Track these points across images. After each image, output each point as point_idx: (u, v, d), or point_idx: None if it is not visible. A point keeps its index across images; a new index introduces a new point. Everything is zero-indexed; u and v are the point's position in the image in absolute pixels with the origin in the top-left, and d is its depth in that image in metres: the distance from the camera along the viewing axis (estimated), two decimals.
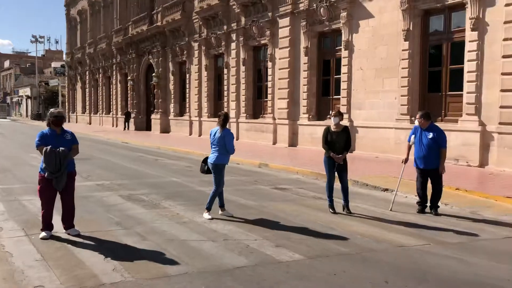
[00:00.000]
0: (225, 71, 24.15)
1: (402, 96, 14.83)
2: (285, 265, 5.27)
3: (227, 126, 7.73)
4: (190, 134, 27.79)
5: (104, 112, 42.66)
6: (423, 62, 14.68)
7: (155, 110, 32.05)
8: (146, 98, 34.86)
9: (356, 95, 16.68)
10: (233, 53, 23.27)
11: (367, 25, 16.07)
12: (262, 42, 21.34)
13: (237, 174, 12.69)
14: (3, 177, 11.97)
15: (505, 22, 11.97)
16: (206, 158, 7.81)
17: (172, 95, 30.22)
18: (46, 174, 6.17)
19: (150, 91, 33.68)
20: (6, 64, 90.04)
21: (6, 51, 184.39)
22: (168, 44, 30.07)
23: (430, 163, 8.07)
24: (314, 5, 17.96)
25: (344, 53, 17.00)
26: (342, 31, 16.97)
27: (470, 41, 12.90)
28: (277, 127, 20.54)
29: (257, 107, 22.71)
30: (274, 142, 20.60)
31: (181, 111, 29.82)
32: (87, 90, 46.66)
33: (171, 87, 30.30)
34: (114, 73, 39.52)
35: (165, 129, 30.81)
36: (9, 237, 6.30)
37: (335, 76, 18.02)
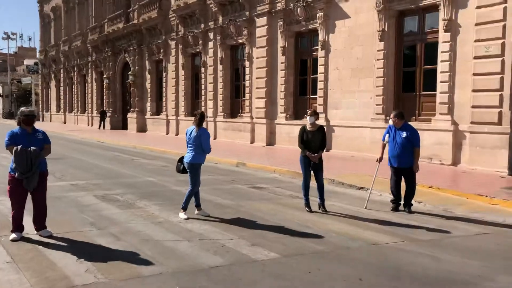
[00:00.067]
0: (203, 70, 24.04)
1: (377, 95, 15.03)
2: (260, 264, 5.28)
3: (204, 125, 7.69)
4: (167, 133, 27.56)
5: (79, 111, 41.92)
6: (398, 63, 14.91)
7: (132, 109, 31.67)
8: (122, 97, 34.41)
9: (332, 95, 16.82)
10: (211, 52, 23.18)
11: (343, 26, 16.22)
12: (240, 41, 21.31)
13: (214, 173, 12.65)
14: None
15: (476, 24, 12.24)
16: (182, 158, 7.76)
17: (149, 94, 29.91)
18: (16, 174, 6.02)
19: (127, 89, 33.26)
20: None
21: None
22: (145, 42, 29.74)
23: (404, 162, 8.20)
24: (291, 4, 18.03)
25: (320, 53, 17.12)
26: (319, 31, 17.09)
27: (443, 42, 13.16)
28: (254, 126, 20.56)
29: (234, 106, 22.68)
30: (252, 141, 20.62)
31: (158, 110, 29.55)
32: (61, 88, 45.75)
33: (148, 85, 29.98)
34: (89, 71, 38.87)
35: (142, 128, 30.48)
36: None
37: (312, 76, 18.13)
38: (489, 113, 11.99)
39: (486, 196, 9.05)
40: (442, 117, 13.21)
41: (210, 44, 23.16)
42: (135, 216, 7.55)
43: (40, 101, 53.08)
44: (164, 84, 28.11)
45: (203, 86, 24.15)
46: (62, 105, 45.92)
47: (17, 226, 6.18)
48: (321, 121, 16.24)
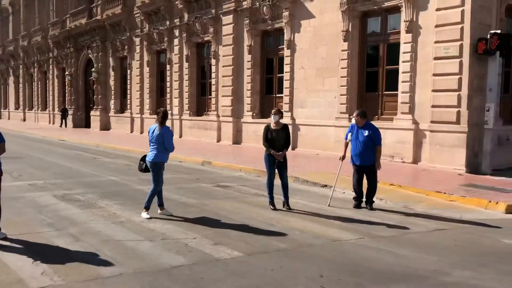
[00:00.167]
0: (168, 67, 23.73)
1: (341, 95, 15.25)
2: (223, 263, 5.25)
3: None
4: (132, 131, 27.08)
5: (39, 109, 40.59)
6: (361, 63, 15.16)
7: (95, 107, 30.94)
8: (85, 94, 33.53)
9: (298, 94, 16.96)
10: (176, 49, 22.92)
11: (308, 25, 16.36)
12: (206, 39, 21.17)
13: (179, 172, 12.52)
14: None
15: (436, 26, 12.60)
16: (145, 156, 7.63)
17: (113, 91, 29.28)
18: None
19: (90, 86, 32.44)
20: None
21: None
22: (109, 38, 29.10)
23: (366, 160, 8.36)
24: (257, 3, 18.04)
25: (286, 52, 17.22)
26: (285, 30, 17.18)
27: (404, 43, 13.48)
28: (221, 125, 20.48)
29: (200, 104, 22.51)
30: (218, 140, 20.53)
31: (122, 108, 28.98)
32: (20, 85, 44.16)
33: (112, 83, 29.35)
34: (50, 67, 37.69)
35: (105, 126, 29.83)
36: None
37: (278, 75, 18.20)
38: (448, 112, 12.38)
39: (445, 193, 9.33)
40: (403, 116, 13.53)
41: (176, 41, 22.89)
42: (96, 216, 7.37)
43: None
44: (128, 81, 27.59)
45: (168, 84, 23.85)
46: (21, 102, 44.34)
47: None
48: (287, 120, 16.41)
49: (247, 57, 18.95)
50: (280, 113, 8.30)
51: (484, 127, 12.02)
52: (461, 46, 12.09)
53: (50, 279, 4.67)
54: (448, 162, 12.27)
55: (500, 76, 12.78)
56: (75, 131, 29.42)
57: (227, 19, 19.63)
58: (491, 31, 11.72)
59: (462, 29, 12.06)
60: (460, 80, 12.16)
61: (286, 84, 17.31)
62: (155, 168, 7.37)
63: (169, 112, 22.96)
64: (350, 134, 8.54)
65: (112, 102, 29.43)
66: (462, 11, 12.03)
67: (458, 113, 12.19)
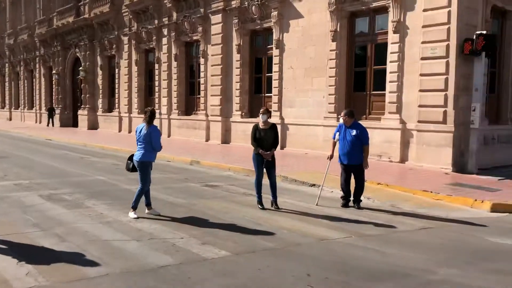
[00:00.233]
0: (156, 66, 23.61)
1: (329, 95, 15.31)
2: (210, 262, 5.24)
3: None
4: (120, 130, 26.90)
5: (26, 108, 40.12)
6: (349, 63, 15.23)
7: (82, 106, 30.67)
8: (72, 93, 33.21)
9: (287, 93, 16.98)
10: (165, 48, 22.81)
11: (297, 25, 16.40)
12: (195, 38, 21.10)
13: (167, 171, 12.46)
14: None
15: (423, 26, 12.71)
16: (132, 155, 7.58)
17: (101, 90, 29.05)
18: None
19: (77, 85, 32.14)
20: None
21: None
22: (96, 37, 28.86)
23: (354, 159, 8.40)
24: (246, 3, 18.04)
25: (275, 52, 17.23)
26: (273, 30, 17.19)
27: (392, 43, 13.57)
28: (210, 124, 20.43)
29: (189, 103, 22.43)
30: (207, 139, 20.48)
31: (110, 107, 28.77)
32: (6, 83, 43.64)
33: (100, 82, 29.11)
34: (37, 66, 37.25)
35: (93, 126, 29.59)
36: None
37: (267, 74, 18.21)
38: (434, 112, 12.49)
39: (431, 192, 9.42)
40: (391, 116, 13.63)
41: (164, 40, 22.78)
42: (83, 216, 7.30)
43: None
44: (116, 80, 27.41)
45: (157, 83, 23.73)
46: (7, 101, 43.79)
47: None
48: (276, 119, 16.43)
49: (236, 56, 18.94)
50: (268, 113, 8.31)
51: (470, 127, 12.15)
52: (447, 47, 12.21)
53: (34, 280, 4.62)
54: (435, 161, 12.38)
55: (486, 76, 12.94)
56: (62, 131, 29.13)
57: (216, 18, 19.59)
58: (477, 31, 11.86)
59: (448, 29, 12.18)
60: (446, 80, 12.27)
61: (275, 83, 17.33)
62: (142, 167, 7.33)
63: (158, 111, 22.93)
64: (338, 133, 8.57)
65: (100, 101, 29.20)
66: (449, 12, 12.15)
67: (445, 113, 12.30)
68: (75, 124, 32.12)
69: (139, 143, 7.37)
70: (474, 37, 11.69)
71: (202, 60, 20.70)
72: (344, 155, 8.45)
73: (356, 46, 15.27)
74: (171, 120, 22.68)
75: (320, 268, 5.09)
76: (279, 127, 16.49)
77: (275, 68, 17.27)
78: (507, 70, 14.18)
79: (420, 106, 12.85)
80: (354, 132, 8.36)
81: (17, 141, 21.97)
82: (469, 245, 6.33)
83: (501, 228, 7.29)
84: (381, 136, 13.59)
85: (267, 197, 8.25)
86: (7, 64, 42.97)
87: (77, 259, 5.26)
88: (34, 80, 38.47)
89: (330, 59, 15.17)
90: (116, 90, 27.46)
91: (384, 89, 13.98)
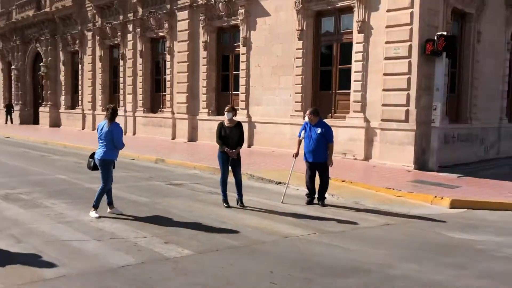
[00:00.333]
0: (121, 62, 23.14)
1: (296, 93, 15.40)
2: (173, 262, 5.17)
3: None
4: (83, 128, 26.24)
5: None
6: (316, 61, 15.36)
7: (44, 103, 29.71)
8: (33, 90, 32.13)
9: (254, 92, 16.97)
10: (130, 44, 22.37)
11: (264, 23, 16.41)
12: (160, 34, 20.79)
13: (132, 170, 12.24)
14: None
15: (387, 27, 12.95)
16: (94, 153, 7.39)
17: (63, 87, 28.24)
18: None
19: (38, 82, 31.13)
20: None
21: None
22: (58, 32, 28.01)
23: (319, 157, 8.47)
24: (213, 0, 17.91)
25: (242, 50, 17.19)
26: (240, 27, 17.14)
27: (357, 43, 13.77)
28: (176, 122, 20.20)
29: (155, 101, 22.10)
30: (173, 137, 20.24)
31: (73, 104, 28.01)
32: None
33: (62, 78, 28.29)
34: None
35: (56, 123, 28.73)
36: None
37: (234, 72, 18.14)
38: (397, 111, 12.75)
39: (393, 189, 9.63)
40: (355, 114, 13.83)
41: (130, 36, 22.35)
42: (41, 216, 7.07)
43: None
44: (80, 76, 26.70)
45: (122, 80, 23.26)
46: None
47: None
48: (243, 118, 16.40)
49: (202, 53, 18.78)
50: (233, 111, 8.27)
51: (431, 126, 12.48)
52: (410, 47, 12.49)
53: None
54: (398, 159, 12.66)
55: (447, 76, 13.33)
56: (22, 128, 28.17)
57: (182, 14, 19.37)
58: (438, 32, 12.18)
59: (411, 30, 12.45)
60: (409, 80, 12.55)
61: (242, 81, 17.29)
62: (104, 165, 7.15)
63: (122, 108, 22.53)
64: (303, 131, 8.64)
65: (62, 98, 28.40)
66: (411, 13, 12.42)
67: (407, 111, 12.59)
68: (36, 121, 31.11)
69: (100, 141, 7.19)
70: (435, 37, 12.01)
71: (168, 57, 20.43)
72: (309, 153, 8.52)
73: (322, 45, 15.42)
74: (136, 118, 22.29)
75: (284, 265, 5.10)
76: (246, 125, 16.54)
77: (242, 66, 17.23)
78: (466, 71, 14.63)
79: (383, 105, 13.09)
80: (319, 130, 8.43)
81: None
82: (428, 240, 6.49)
83: (459, 223, 7.52)
84: (346, 134, 13.78)
85: (232, 196, 8.22)
86: None
87: (33, 260, 5.08)
88: None
89: (297, 58, 15.26)
90: (80, 87, 26.77)
91: (349, 88, 14.17)
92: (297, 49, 15.23)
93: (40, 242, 5.74)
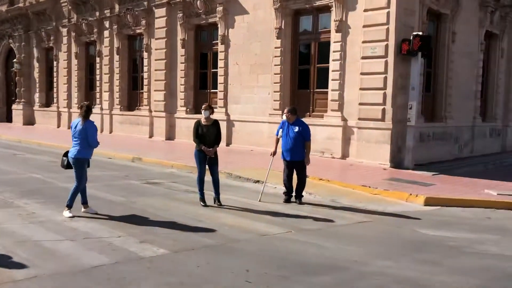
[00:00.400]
0: (98, 60, 22.76)
1: (274, 92, 15.42)
2: (148, 261, 5.11)
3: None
4: (58, 126, 25.74)
5: None
6: (294, 60, 15.40)
7: (17, 100, 29.02)
8: (6, 87, 31.32)
9: (232, 90, 16.93)
10: (106, 41, 22.04)
11: (242, 21, 16.37)
12: (138, 31, 20.54)
13: (108, 168, 12.06)
14: None
15: (364, 26, 13.07)
16: (68, 152, 7.25)
17: (37, 84, 27.63)
18: None
19: (12, 79, 30.38)
20: None
21: None
22: (33, 28, 27.38)
23: (296, 155, 8.50)
24: None
25: (220, 48, 17.12)
26: (219, 25, 17.06)
27: (334, 42, 13.86)
28: (153, 120, 20.00)
29: (132, 98, 21.82)
30: (151, 135, 20.04)
31: (48, 102, 27.44)
32: None
33: (36, 75, 27.67)
34: None
35: (30, 121, 28.10)
36: None
37: (213, 70, 18.05)
38: (374, 110, 12.89)
39: (370, 187, 9.73)
40: (333, 113, 13.93)
41: (106, 33, 22.01)
42: (12, 215, 6.89)
43: None
44: (55, 73, 26.15)
45: (98, 77, 22.89)
46: None
47: None
48: (221, 116, 16.35)
49: (180, 51, 18.63)
50: (210, 109, 8.22)
51: (407, 124, 12.66)
52: (386, 46, 12.63)
53: None
54: (374, 157, 12.80)
55: (422, 76, 13.54)
56: None
57: (160, 11, 19.17)
58: (413, 32, 12.35)
59: (387, 30, 12.59)
60: (385, 79, 12.70)
61: (220, 79, 17.22)
62: (77, 164, 7.02)
63: (99, 106, 22.19)
64: (281, 130, 8.66)
65: (37, 95, 27.79)
66: (388, 13, 12.56)
67: (383, 110, 12.74)
68: (9, 119, 30.37)
69: (74, 139, 7.05)
70: (411, 37, 12.18)
71: (145, 54, 20.21)
72: (287, 152, 8.54)
73: (300, 44, 15.47)
74: (113, 116, 21.98)
75: (259, 264, 5.10)
76: (224, 124, 16.50)
77: (220, 63, 17.16)
78: (442, 71, 14.90)
79: (360, 104, 13.22)
80: (296, 129, 8.46)
81: None
82: (402, 237, 6.59)
83: (433, 220, 7.64)
84: (324, 133, 13.87)
85: (210, 194, 8.17)
86: None
87: (3, 261, 4.94)
88: None
89: (275, 56, 15.28)
90: (55, 84, 26.23)
91: (327, 87, 14.26)
92: (276, 47, 15.25)
93: (11, 242, 5.60)
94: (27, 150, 16.08)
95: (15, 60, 28.30)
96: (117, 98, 21.79)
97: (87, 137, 6.93)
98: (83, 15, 23.23)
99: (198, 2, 17.42)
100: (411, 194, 9.08)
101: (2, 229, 6.15)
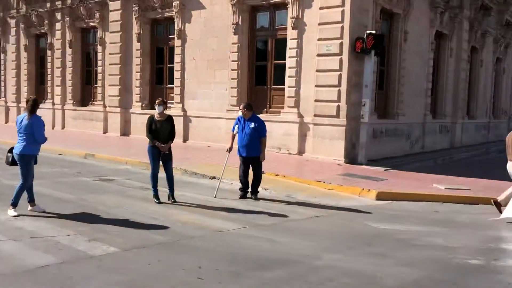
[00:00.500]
0: (49, 53, 21.90)
1: (232, 88, 15.38)
2: (97, 260, 4.96)
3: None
4: (6, 121, 24.61)
5: None
6: (251, 56, 15.41)
7: None
8: None
9: (189, 85, 16.74)
10: (58, 33, 21.23)
11: (199, 16, 16.20)
12: (91, 24, 19.92)
13: (58, 165, 11.64)
14: None
15: (319, 24, 13.24)
16: (13, 148, 6.93)
17: None
18: None
19: None
20: None
21: None
22: None
23: (252, 151, 8.51)
24: None
25: (177, 42, 16.88)
26: (175, 19, 16.81)
27: (291, 39, 13.97)
28: (108, 115, 19.49)
29: (85, 93, 21.17)
30: (105, 131, 19.52)
31: None
32: None
33: None
34: None
35: None
36: None
37: (169, 65, 17.78)
38: (329, 107, 13.11)
39: (324, 182, 9.89)
40: (289, 110, 14.06)
41: (58, 25, 21.21)
42: None
43: None
44: (2, 66, 25.00)
45: (49, 71, 22.03)
46: None
47: None
48: (178, 111, 16.15)
49: (136, 45, 18.23)
50: (164, 104, 8.11)
51: (360, 121, 12.95)
52: (341, 44, 12.85)
53: None
54: (329, 153, 13.02)
55: (375, 73, 13.90)
56: None
57: (115, 4, 18.67)
58: (367, 31, 12.63)
59: (342, 28, 12.82)
60: (340, 76, 12.93)
61: (177, 74, 16.99)
62: (23, 161, 6.71)
63: (50, 101, 21.39)
64: (237, 126, 8.64)
65: None
66: (342, 11, 12.79)
67: (338, 107, 12.97)
68: None
69: (20, 135, 6.75)
70: (365, 36, 12.45)
71: (99, 48, 19.64)
72: (242, 147, 8.53)
73: (258, 40, 15.49)
74: (66, 111, 21.26)
75: (212, 260, 5.06)
76: (181, 119, 16.32)
77: (177, 58, 16.93)
78: (394, 69, 15.33)
79: (316, 100, 13.40)
80: (252, 125, 8.47)
81: None
82: (353, 231, 6.73)
83: (383, 214, 7.86)
84: (281, 129, 13.97)
85: (164, 191, 8.05)
86: None
87: None
88: None
89: (232, 52, 15.23)
90: (2, 78, 25.08)
91: (283, 83, 14.36)
92: (233, 43, 15.20)
93: None
94: None
95: None
96: (69, 93, 21.08)
97: (33, 133, 6.64)
98: (32, 6, 22.28)
99: None
100: (363, 189, 9.30)
101: None
